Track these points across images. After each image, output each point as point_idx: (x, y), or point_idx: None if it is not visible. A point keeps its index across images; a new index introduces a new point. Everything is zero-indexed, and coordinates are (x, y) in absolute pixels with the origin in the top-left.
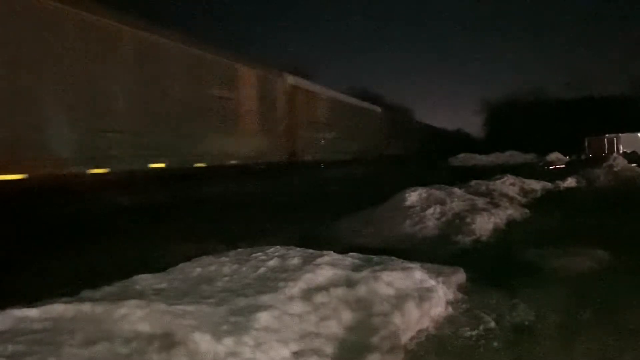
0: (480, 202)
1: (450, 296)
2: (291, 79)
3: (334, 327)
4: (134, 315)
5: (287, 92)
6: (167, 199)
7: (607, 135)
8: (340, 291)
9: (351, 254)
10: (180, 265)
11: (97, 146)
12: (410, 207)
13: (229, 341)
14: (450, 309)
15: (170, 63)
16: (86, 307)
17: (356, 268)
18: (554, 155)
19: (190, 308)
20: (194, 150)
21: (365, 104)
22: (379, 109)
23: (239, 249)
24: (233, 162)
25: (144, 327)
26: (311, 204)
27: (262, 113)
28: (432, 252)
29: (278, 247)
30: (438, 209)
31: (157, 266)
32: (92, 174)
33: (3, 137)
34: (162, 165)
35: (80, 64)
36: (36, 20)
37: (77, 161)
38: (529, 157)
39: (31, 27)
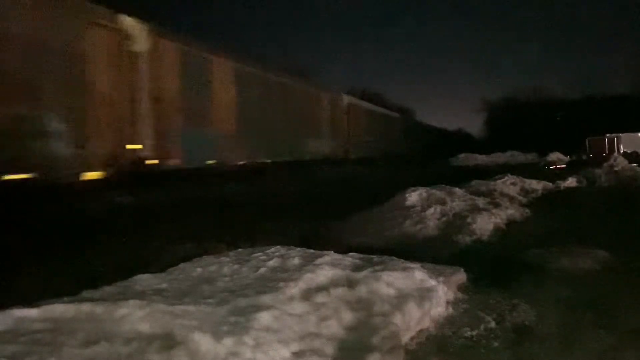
0: (481, 202)
1: (451, 296)
2: (347, 98)
3: (334, 327)
4: (134, 316)
5: (345, 108)
6: (167, 199)
7: (607, 135)
8: (340, 291)
9: (351, 253)
10: (181, 265)
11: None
12: (411, 207)
13: (229, 341)
14: (450, 309)
15: (296, 97)
16: (86, 307)
17: (356, 268)
18: (555, 155)
19: (190, 308)
20: (304, 150)
21: (389, 112)
22: (397, 115)
23: (239, 249)
24: (319, 158)
25: (144, 327)
26: (311, 203)
27: (332, 123)
28: (433, 252)
29: (278, 247)
30: (438, 208)
31: (158, 266)
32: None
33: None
34: (287, 159)
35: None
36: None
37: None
38: (530, 157)
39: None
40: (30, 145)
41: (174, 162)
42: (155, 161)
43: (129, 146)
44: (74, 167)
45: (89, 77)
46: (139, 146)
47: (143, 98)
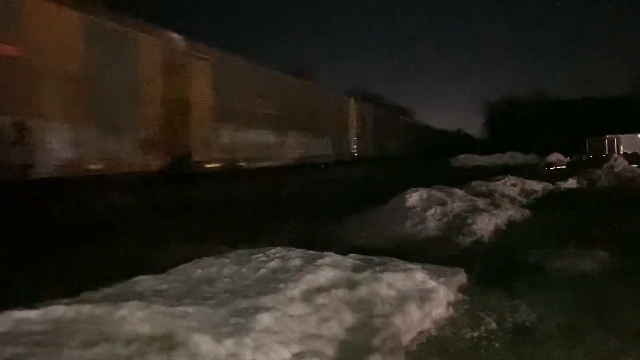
0: (481, 202)
1: (452, 297)
2: (360, 104)
3: (334, 329)
4: (134, 317)
5: (357, 111)
6: (168, 200)
7: (607, 136)
8: (341, 292)
9: (352, 254)
10: (181, 266)
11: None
12: (411, 207)
13: (229, 343)
14: (451, 310)
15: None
16: (86, 309)
17: (357, 269)
18: (555, 156)
19: (190, 309)
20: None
21: (396, 114)
22: (402, 117)
23: (240, 250)
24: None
25: (144, 329)
26: (312, 204)
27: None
28: (433, 253)
29: (279, 248)
30: (439, 209)
31: (158, 267)
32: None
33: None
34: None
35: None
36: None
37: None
38: (530, 158)
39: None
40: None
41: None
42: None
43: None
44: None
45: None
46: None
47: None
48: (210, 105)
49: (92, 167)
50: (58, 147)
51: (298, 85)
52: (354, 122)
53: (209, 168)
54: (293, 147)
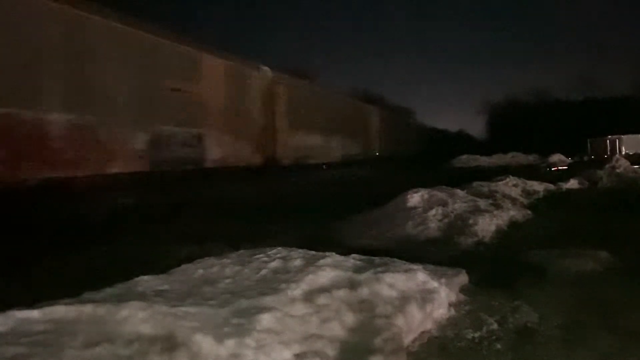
0: (483, 203)
1: (453, 298)
2: (381, 111)
3: (336, 329)
4: (136, 317)
5: (379, 117)
6: (169, 200)
7: (609, 136)
8: (342, 293)
9: (353, 255)
10: (182, 266)
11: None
12: (412, 208)
13: (231, 343)
14: (452, 311)
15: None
16: (88, 309)
17: (358, 269)
18: (556, 157)
19: (192, 309)
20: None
21: (405, 117)
22: (409, 119)
23: (241, 251)
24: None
25: (146, 329)
26: (313, 205)
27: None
28: (435, 253)
29: (280, 248)
30: (440, 210)
31: (159, 267)
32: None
33: None
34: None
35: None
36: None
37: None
38: (531, 158)
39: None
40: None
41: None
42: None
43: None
44: None
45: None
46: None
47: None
48: (287, 118)
49: (230, 160)
50: (217, 149)
51: (337, 97)
52: (377, 126)
53: (286, 163)
54: (335, 148)
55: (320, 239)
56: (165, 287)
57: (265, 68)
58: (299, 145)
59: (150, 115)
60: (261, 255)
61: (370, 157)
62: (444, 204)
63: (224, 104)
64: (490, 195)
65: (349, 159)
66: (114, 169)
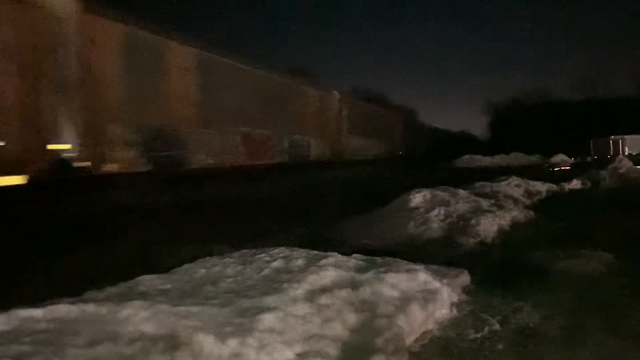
0: (485, 203)
1: (455, 298)
2: (401, 118)
3: (338, 329)
4: (138, 316)
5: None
6: (171, 200)
7: (612, 137)
8: (344, 293)
9: (355, 255)
10: (184, 266)
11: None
12: (415, 208)
13: (233, 342)
14: (454, 311)
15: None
16: (90, 308)
17: (360, 269)
18: (559, 157)
19: (194, 309)
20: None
21: (415, 119)
22: (417, 121)
23: (243, 250)
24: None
25: (148, 328)
26: (315, 204)
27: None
28: (437, 253)
29: (282, 248)
30: (442, 210)
31: (161, 267)
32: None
33: None
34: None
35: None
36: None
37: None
38: (534, 158)
39: None
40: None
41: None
42: None
43: None
44: None
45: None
46: None
47: None
48: (345, 127)
49: (321, 155)
50: (315, 148)
51: (374, 110)
52: (399, 131)
53: (344, 159)
54: (372, 148)
55: (322, 239)
56: (168, 286)
57: (335, 92)
58: (352, 146)
59: (287, 129)
60: (263, 255)
61: (394, 157)
62: (446, 204)
63: (318, 120)
64: (493, 195)
65: (379, 157)
66: (275, 160)
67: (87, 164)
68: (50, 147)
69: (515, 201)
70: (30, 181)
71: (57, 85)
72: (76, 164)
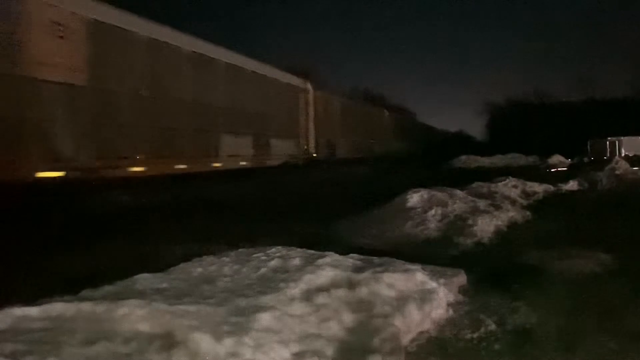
0: (482, 204)
1: (452, 298)
2: (404, 120)
3: (334, 329)
4: (134, 315)
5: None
6: (168, 199)
7: (609, 138)
8: (341, 292)
9: (352, 255)
10: (181, 265)
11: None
12: (412, 208)
13: (229, 341)
14: (451, 311)
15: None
16: (86, 307)
17: (357, 269)
18: (556, 158)
19: (190, 308)
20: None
21: (413, 120)
22: (414, 119)
23: (240, 249)
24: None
25: (144, 327)
26: (312, 204)
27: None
28: (434, 253)
29: (279, 247)
30: (439, 210)
31: (158, 266)
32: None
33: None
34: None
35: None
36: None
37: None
38: (531, 159)
39: None
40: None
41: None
42: None
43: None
44: None
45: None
46: None
47: None
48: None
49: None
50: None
51: (385, 115)
52: (398, 131)
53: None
54: (379, 147)
55: (319, 239)
56: (164, 285)
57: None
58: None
59: (369, 137)
60: (260, 254)
61: (396, 155)
62: (444, 205)
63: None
64: (490, 196)
65: (383, 155)
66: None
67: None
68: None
69: (512, 202)
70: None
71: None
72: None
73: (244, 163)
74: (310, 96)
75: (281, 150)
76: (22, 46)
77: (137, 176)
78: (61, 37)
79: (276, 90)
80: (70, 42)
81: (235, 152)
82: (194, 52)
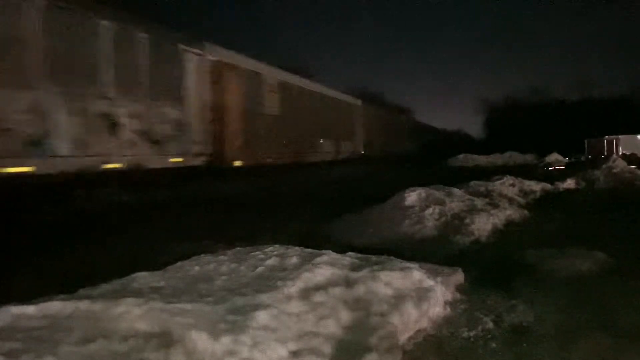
0: (480, 202)
1: (449, 296)
2: (409, 120)
3: (332, 327)
4: (132, 313)
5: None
6: (165, 198)
7: (606, 136)
8: (338, 291)
9: (350, 253)
10: (179, 263)
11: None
12: (410, 207)
13: (226, 340)
14: (448, 310)
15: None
16: (84, 305)
17: (355, 268)
18: (554, 157)
19: (188, 306)
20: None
21: (394, 113)
22: (400, 115)
23: (238, 248)
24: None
25: (142, 325)
26: (310, 203)
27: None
28: (431, 252)
29: (276, 246)
30: (437, 209)
31: (155, 264)
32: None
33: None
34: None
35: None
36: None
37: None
38: (529, 158)
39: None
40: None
41: None
42: None
43: None
44: None
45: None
46: None
47: None
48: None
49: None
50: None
51: (391, 114)
52: (407, 131)
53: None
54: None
55: (317, 237)
56: (162, 283)
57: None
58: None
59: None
60: (258, 253)
61: (399, 153)
62: (441, 203)
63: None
64: (487, 194)
65: (386, 153)
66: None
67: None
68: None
69: (510, 200)
70: None
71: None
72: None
73: (329, 158)
74: (360, 109)
75: (346, 148)
76: (262, 100)
77: (273, 164)
78: (273, 92)
79: (342, 107)
80: (275, 94)
81: (327, 150)
82: (312, 90)
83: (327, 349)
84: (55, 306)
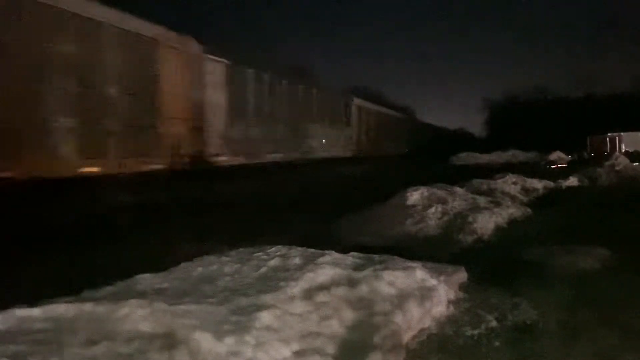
0: (482, 201)
1: (452, 295)
2: (409, 120)
3: (335, 327)
4: (136, 315)
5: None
6: (168, 199)
7: (609, 134)
8: (341, 290)
9: (352, 253)
10: (182, 264)
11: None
12: (412, 206)
13: (230, 340)
14: (451, 308)
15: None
16: (88, 307)
17: (357, 267)
18: (556, 154)
19: (191, 307)
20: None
21: (394, 113)
22: (400, 115)
23: (240, 249)
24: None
25: (146, 327)
26: (312, 202)
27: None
28: (434, 251)
29: (279, 246)
30: (439, 208)
31: (159, 266)
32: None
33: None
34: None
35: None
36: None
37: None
38: (531, 155)
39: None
40: None
41: None
42: None
43: None
44: None
45: None
46: None
47: None
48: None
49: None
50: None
51: (393, 116)
52: (408, 132)
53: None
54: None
55: (319, 237)
56: (165, 285)
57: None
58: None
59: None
60: (260, 253)
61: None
62: (444, 202)
63: (358, 133)
64: (490, 192)
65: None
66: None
67: None
68: None
69: (512, 198)
70: None
71: None
72: None
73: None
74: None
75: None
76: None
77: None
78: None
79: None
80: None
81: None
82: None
83: (331, 348)
84: (60, 308)
